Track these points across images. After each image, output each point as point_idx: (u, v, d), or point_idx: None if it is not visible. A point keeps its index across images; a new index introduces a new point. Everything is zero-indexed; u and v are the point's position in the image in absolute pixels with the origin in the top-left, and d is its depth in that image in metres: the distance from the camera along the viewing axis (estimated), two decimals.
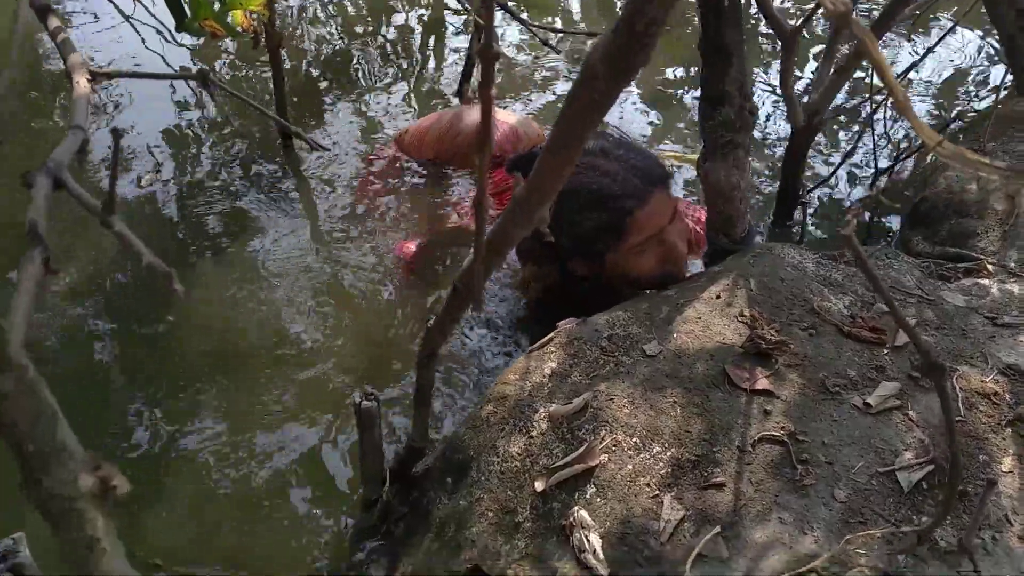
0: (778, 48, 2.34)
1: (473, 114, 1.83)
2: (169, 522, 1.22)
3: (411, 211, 1.81)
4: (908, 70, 1.44)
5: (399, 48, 2.55)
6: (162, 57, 2.33)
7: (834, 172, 1.74)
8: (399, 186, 1.87)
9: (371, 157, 1.98)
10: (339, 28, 2.67)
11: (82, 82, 0.57)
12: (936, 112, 2.09)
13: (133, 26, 2.48)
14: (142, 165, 2.01)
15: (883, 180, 1.65)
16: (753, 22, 2.54)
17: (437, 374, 1.44)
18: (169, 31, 2.30)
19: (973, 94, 2.19)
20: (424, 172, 1.87)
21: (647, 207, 1.30)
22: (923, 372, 0.94)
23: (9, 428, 0.29)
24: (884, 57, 0.42)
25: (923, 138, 0.44)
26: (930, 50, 1.81)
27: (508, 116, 1.82)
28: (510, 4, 1.60)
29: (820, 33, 2.53)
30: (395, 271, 1.67)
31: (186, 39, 2.32)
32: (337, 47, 2.54)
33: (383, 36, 2.62)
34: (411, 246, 1.71)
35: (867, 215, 1.66)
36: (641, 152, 1.37)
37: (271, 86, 1.91)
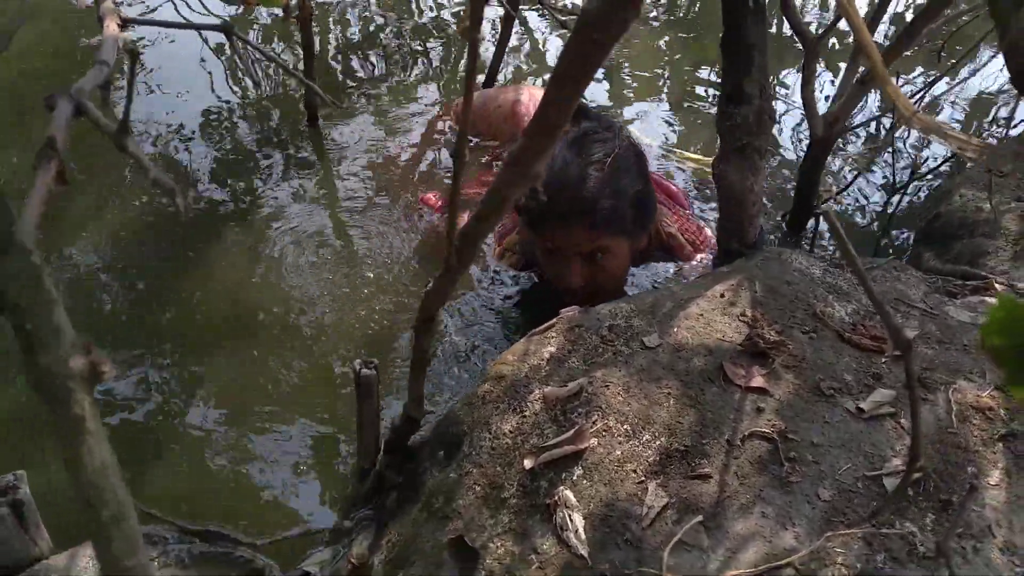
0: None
1: (508, 93, 1.87)
2: (168, 476, 1.25)
3: (439, 178, 1.88)
4: (927, 87, 1.45)
5: (430, 38, 2.58)
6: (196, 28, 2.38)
7: (849, 184, 1.74)
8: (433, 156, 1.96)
9: (439, 117, 2.05)
10: (370, 15, 2.70)
11: (112, 25, 0.60)
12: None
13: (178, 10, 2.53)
14: (167, 139, 2.05)
15: (896, 199, 1.64)
16: (777, 29, 2.54)
17: (438, 355, 1.46)
18: (203, 4, 2.35)
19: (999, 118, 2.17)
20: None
21: (558, 229, 1.36)
22: (893, 347, 0.95)
23: (12, 306, 0.31)
24: (861, 18, 0.44)
25: (899, 107, 0.45)
26: (954, 65, 1.80)
27: (540, 92, 1.85)
28: None
29: (846, 45, 2.52)
30: (418, 224, 1.73)
31: (219, 10, 2.37)
32: (367, 34, 2.57)
33: (414, 23, 2.65)
34: (432, 197, 1.80)
35: (879, 230, 1.66)
36: (617, 192, 1.34)
37: (297, 63, 1.94)
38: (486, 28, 2.64)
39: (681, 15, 2.63)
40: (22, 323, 0.33)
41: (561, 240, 1.38)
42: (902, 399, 1.05)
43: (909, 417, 1.02)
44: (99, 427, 0.34)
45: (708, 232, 1.63)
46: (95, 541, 0.34)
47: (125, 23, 0.67)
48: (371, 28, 2.60)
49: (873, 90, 1.83)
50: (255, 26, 2.45)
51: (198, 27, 0.80)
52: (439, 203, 1.78)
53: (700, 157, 1.96)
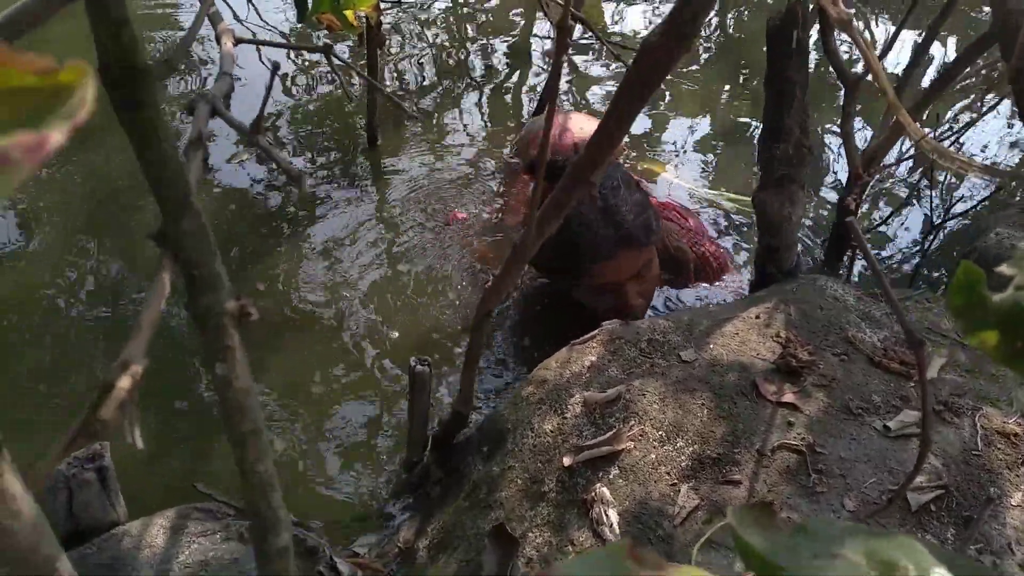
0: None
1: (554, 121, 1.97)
2: (228, 459, 1.34)
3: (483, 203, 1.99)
4: (968, 126, 1.50)
5: (482, 73, 2.69)
6: (270, 62, 2.54)
7: (886, 220, 1.78)
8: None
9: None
10: (428, 51, 2.83)
11: (228, 43, 0.70)
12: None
13: (249, 29, 2.70)
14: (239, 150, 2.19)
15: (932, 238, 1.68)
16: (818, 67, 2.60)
17: (487, 360, 1.54)
18: (279, 30, 2.51)
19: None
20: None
21: (610, 262, 1.40)
22: (907, 345, 1.00)
23: (186, 257, 0.40)
24: (874, 52, 0.50)
25: (908, 131, 0.52)
26: (989, 109, 1.84)
27: (591, 122, 1.93)
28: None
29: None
30: (452, 237, 1.86)
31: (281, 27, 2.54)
32: (424, 68, 2.70)
33: (470, 61, 2.77)
34: (460, 214, 1.93)
35: (914, 264, 1.70)
36: (639, 205, 1.42)
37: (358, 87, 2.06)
38: (538, 61, 2.75)
39: (728, 55, 2.70)
40: (192, 270, 0.41)
41: (613, 272, 1.43)
42: None
43: (936, 439, 1.06)
44: (244, 357, 0.42)
45: (723, 251, 1.69)
46: (235, 449, 0.42)
47: (238, 41, 0.77)
48: (427, 59, 2.73)
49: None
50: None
51: (301, 47, 0.90)
52: (463, 216, 1.92)
53: (739, 196, 2.02)
